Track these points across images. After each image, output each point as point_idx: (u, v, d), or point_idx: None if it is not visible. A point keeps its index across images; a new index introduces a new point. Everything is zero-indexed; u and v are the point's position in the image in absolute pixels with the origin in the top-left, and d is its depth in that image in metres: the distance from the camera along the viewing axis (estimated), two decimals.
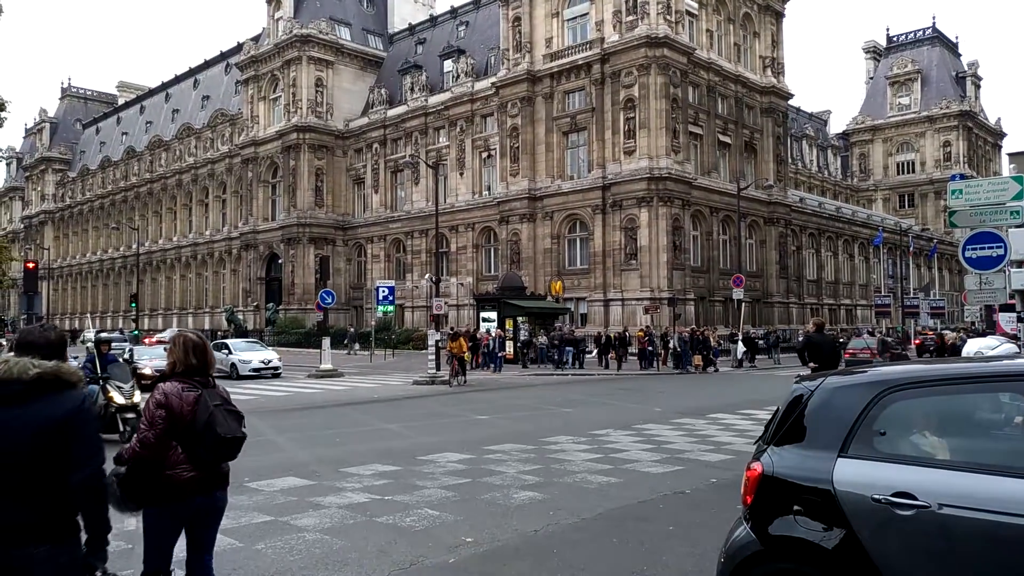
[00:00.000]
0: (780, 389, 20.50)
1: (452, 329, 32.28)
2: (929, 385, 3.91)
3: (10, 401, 3.08)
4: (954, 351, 26.86)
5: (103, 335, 13.73)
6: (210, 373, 4.42)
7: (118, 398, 12.75)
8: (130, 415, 12.65)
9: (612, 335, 33.73)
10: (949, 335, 28.50)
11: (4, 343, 25.52)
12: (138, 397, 12.87)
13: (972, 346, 12.00)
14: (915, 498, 3.47)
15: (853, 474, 3.70)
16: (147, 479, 4.09)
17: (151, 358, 25.10)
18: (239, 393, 22.56)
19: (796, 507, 3.86)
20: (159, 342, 45.39)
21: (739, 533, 4.21)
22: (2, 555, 2.94)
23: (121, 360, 14.50)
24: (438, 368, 26.68)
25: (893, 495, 3.51)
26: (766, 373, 30.71)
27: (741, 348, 34.39)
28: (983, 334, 26.95)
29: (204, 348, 4.42)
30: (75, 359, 26.49)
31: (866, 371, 4.42)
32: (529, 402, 19.79)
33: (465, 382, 25.11)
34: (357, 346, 43.63)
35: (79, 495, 3.20)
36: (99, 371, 12.97)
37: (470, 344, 29.41)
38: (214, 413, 4.12)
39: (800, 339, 24.23)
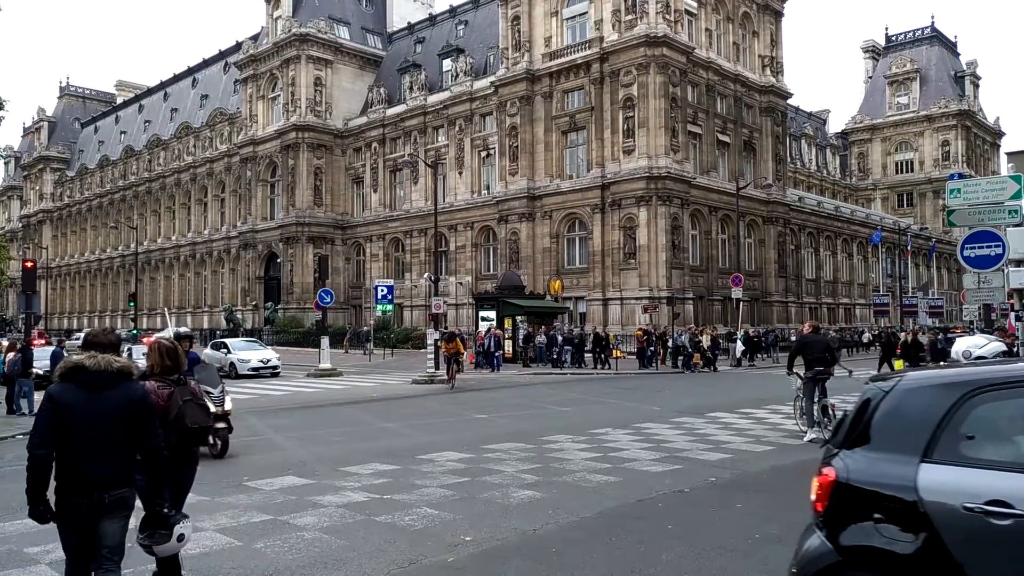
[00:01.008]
0: (779, 388, 20.59)
1: (446, 329, 32.00)
2: (1021, 386, 3.66)
3: (104, 386, 4.38)
4: (917, 348, 27.49)
5: (182, 330, 12.16)
6: (181, 372, 5.37)
7: (208, 406, 11.65)
8: (221, 425, 11.00)
9: (598, 334, 33.85)
10: (904, 334, 29.12)
11: (5, 343, 25.46)
12: (230, 404, 11.58)
13: (960, 345, 12.01)
14: (1012, 507, 3.27)
15: (940, 481, 3.50)
16: None
17: None
18: (238, 392, 22.53)
19: (876, 515, 3.65)
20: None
21: (811, 543, 3.96)
22: (111, 492, 4.37)
23: (202, 358, 13.16)
24: (437, 367, 26.67)
25: (987, 503, 3.33)
26: (765, 372, 30.73)
27: (740, 347, 34.40)
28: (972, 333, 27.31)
29: (176, 352, 5.42)
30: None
31: (946, 372, 4.24)
32: (528, 401, 19.80)
33: (452, 387, 23.60)
34: (371, 345, 43.06)
35: (150, 456, 4.56)
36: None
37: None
38: (183, 407, 5.12)
39: (794, 339, 24.41)
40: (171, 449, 4.93)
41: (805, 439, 12.64)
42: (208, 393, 10.47)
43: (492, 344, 31.75)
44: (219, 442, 11.28)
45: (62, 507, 4.35)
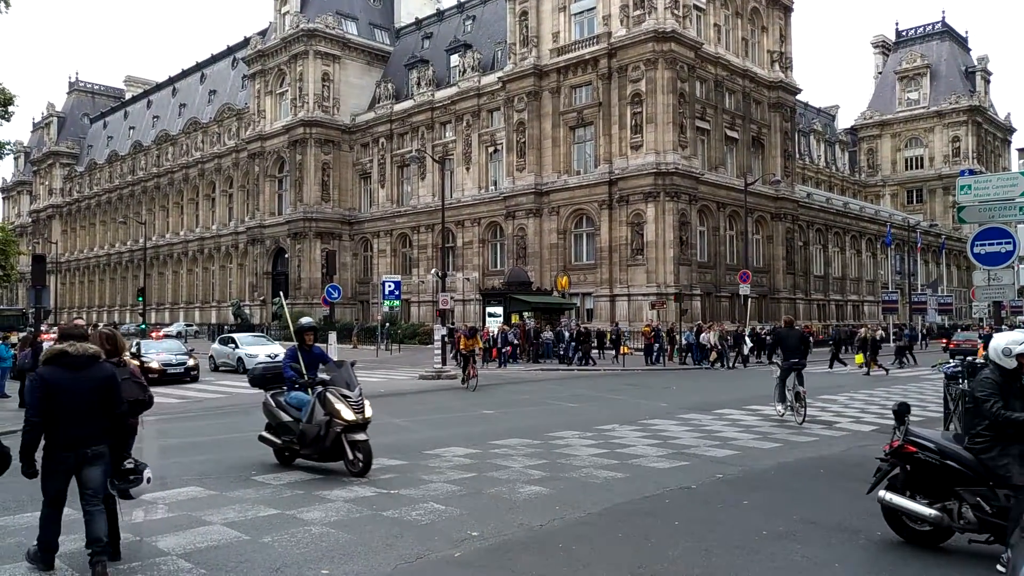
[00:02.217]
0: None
1: (461, 325, 31.60)
2: None
3: (83, 367, 5.81)
4: (875, 344, 28.45)
5: (305, 320, 10.33)
6: (121, 355, 6.65)
7: (347, 413, 9.12)
8: (360, 436, 9.19)
9: (583, 331, 33.90)
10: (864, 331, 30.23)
11: (15, 340, 25.53)
12: (370, 411, 9.51)
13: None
14: None
15: None
16: None
17: (158, 352, 25.12)
18: (245, 387, 22.58)
19: None
20: (166, 336, 45.41)
21: None
22: (92, 447, 5.79)
23: (329, 353, 12.69)
24: (444, 363, 26.66)
25: None
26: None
27: (748, 344, 34.30)
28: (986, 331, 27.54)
29: (114, 338, 6.73)
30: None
31: None
32: (535, 397, 19.80)
33: (469, 386, 22.07)
34: (386, 340, 42.32)
35: (117, 421, 6.03)
36: (305, 371, 9.81)
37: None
38: (122, 384, 6.19)
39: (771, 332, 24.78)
40: (126, 424, 6.30)
41: (783, 417, 14.55)
42: (345, 397, 9.25)
43: (500, 340, 31.86)
44: (358, 457, 9.24)
45: (51, 460, 5.74)
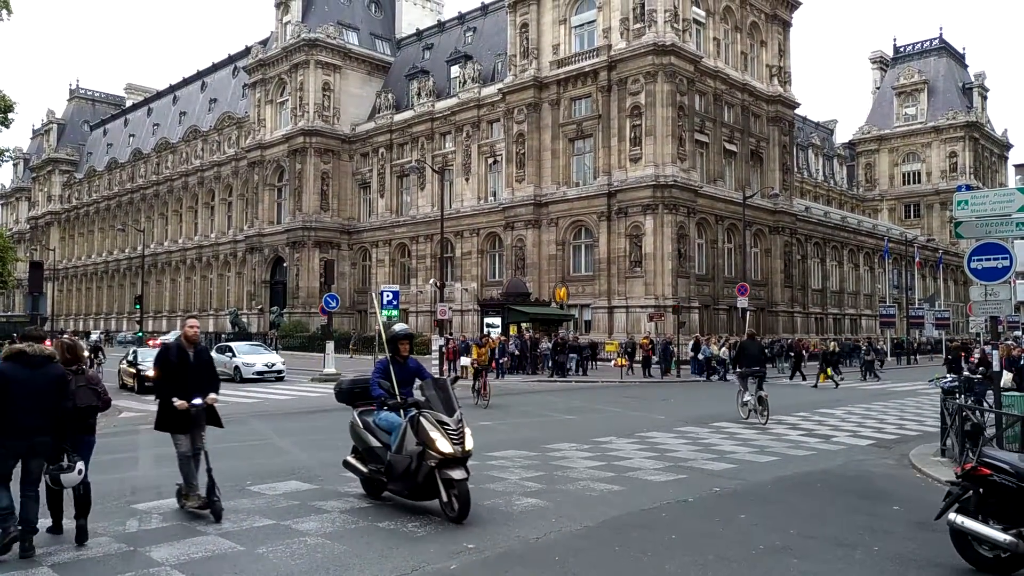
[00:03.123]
0: (782, 399, 20.50)
1: (464, 336, 29.91)
2: None
3: (39, 365, 6.67)
4: (836, 356, 29.99)
5: (399, 327, 8.84)
6: (81, 363, 7.33)
7: (443, 444, 7.44)
8: (458, 474, 7.46)
9: (587, 342, 34.06)
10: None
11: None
12: (471, 442, 7.74)
13: None
14: None
15: None
16: None
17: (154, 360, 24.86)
18: (242, 396, 22.58)
19: None
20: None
21: None
22: (39, 437, 6.57)
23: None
24: (441, 373, 26.64)
25: None
26: (769, 382, 30.69)
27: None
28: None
29: (74, 347, 7.49)
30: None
31: None
32: (532, 408, 19.77)
33: (479, 404, 20.09)
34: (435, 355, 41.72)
35: (62, 414, 6.77)
36: (398, 389, 8.23)
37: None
38: (77, 390, 6.99)
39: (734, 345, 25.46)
40: (70, 420, 6.93)
41: (747, 418, 16.30)
42: (442, 424, 7.57)
43: (498, 351, 31.83)
44: (453, 500, 7.52)
45: (3, 447, 6.49)
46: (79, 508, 6.88)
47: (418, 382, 8.37)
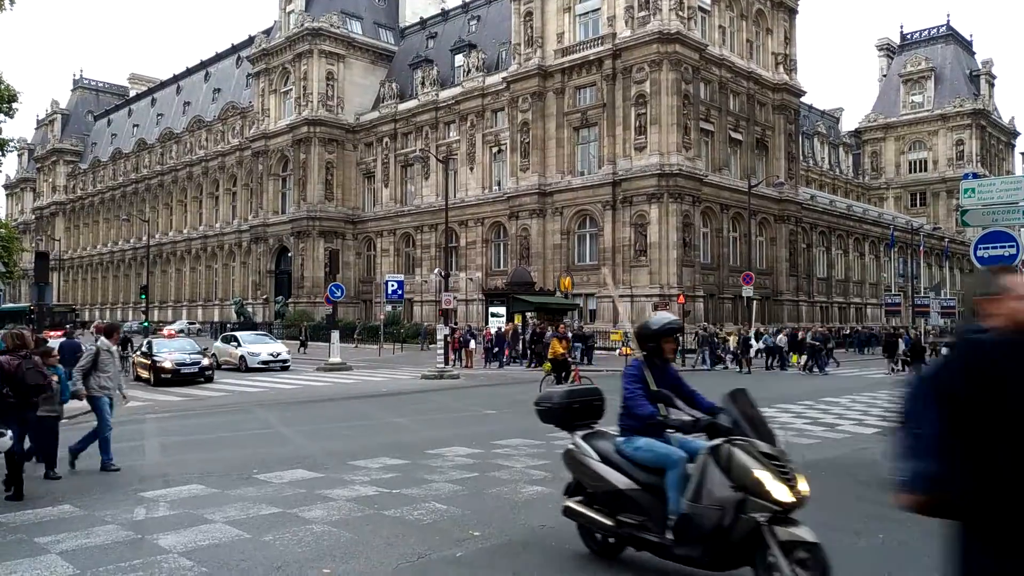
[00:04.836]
0: (788, 388, 20.44)
1: (556, 329, 25.22)
2: None
3: None
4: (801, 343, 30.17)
5: (664, 318, 6.29)
6: (28, 349, 8.42)
7: (778, 489, 4.98)
8: (802, 533, 4.94)
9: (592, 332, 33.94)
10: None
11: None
12: (805, 483, 5.22)
13: None
14: None
15: None
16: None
17: (171, 351, 23.86)
18: (248, 385, 22.65)
19: None
20: (178, 333, 44.86)
21: None
22: None
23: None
24: (446, 362, 26.65)
25: None
26: (776, 371, 30.67)
27: (756, 346, 34.18)
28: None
29: (22, 336, 8.64)
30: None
31: None
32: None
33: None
34: (428, 342, 40.98)
35: None
36: (690, 410, 6.06)
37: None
38: (26, 372, 8.12)
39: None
40: (19, 397, 8.10)
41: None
42: (768, 458, 5.10)
43: (494, 341, 32.06)
44: (797, 572, 4.81)
45: None
46: (11, 473, 8.06)
47: (716, 399, 6.00)
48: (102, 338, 10.39)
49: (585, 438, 6.31)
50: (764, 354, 32.24)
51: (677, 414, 5.81)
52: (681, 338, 31.83)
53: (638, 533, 5.66)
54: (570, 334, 32.56)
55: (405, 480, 9.08)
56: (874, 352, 41.29)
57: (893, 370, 29.75)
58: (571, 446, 6.35)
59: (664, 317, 6.31)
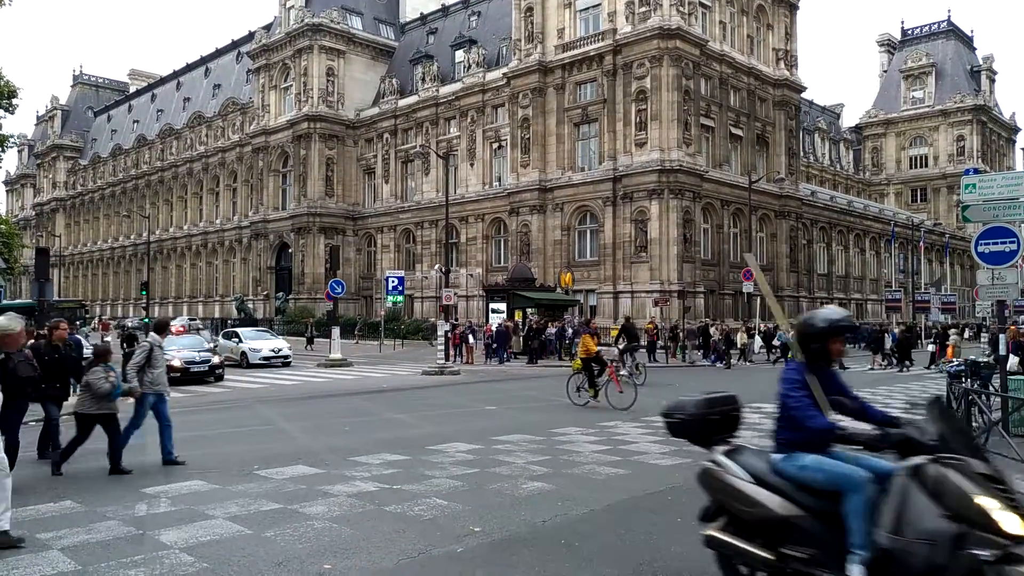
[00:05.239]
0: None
1: (584, 324, 24.49)
2: None
3: None
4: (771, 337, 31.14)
5: (830, 315, 5.07)
6: (20, 345, 8.47)
7: (1008, 520, 3.88)
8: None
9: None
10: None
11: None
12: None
13: None
14: None
15: None
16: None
17: (179, 349, 22.57)
18: (249, 381, 22.67)
19: None
20: (188, 330, 44.64)
21: None
22: None
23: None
24: (447, 358, 26.66)
25: None
26: (776, 367, 30.66)
27: (759, 343, 34.19)
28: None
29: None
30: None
31: None
32: (538, 393, 19.80)
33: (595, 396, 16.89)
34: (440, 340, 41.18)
35: None
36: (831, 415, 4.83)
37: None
38: (18, 365, 8.31)
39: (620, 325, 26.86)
40: (14, 387, 8.25)
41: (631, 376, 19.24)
42: (992, 483, 4.06)
43: (494, 337, 32.08)
44: None
45: None
46: None
47: (909, 415, 5.41)
48: (152, 334, 10.47)
49: (728, 455, 5.36)
50: (779, 351, 32.10)
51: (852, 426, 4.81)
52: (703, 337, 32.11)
53: (807, 568, 4.65)
54: (570, 330, 32.70)
55: (406, 476, 9.09)
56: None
57: (879, 365, 29.77)
58: (710, 464, 5.42)
59: (833, 312, 5.20)
